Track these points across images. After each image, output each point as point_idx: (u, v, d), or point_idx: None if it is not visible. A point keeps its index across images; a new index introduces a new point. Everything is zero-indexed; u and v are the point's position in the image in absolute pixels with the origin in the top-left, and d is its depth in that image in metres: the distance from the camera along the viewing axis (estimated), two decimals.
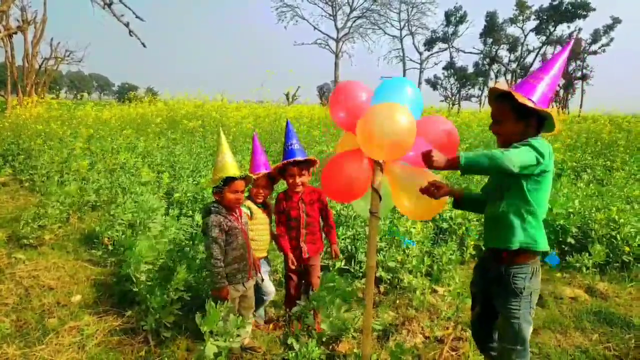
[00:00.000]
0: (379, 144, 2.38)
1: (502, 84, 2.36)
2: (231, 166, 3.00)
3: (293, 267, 3.46)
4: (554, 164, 2.22)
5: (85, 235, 5.47)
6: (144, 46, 7.38)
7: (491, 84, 47.54)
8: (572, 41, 2.66)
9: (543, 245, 2.22)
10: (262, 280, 3.49)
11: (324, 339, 3.04)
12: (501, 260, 2.28)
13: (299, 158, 3.31)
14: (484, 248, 2.55)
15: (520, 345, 2.29)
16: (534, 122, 2.23)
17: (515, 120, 2.23)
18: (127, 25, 6.89)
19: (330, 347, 3.23)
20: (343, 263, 4.39)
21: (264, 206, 3.53)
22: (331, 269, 4.28)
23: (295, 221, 3.44)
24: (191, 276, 3.50)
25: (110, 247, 4.83)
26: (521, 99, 2.15)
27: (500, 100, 2.28)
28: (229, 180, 2.99)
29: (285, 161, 3.33)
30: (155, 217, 4.46)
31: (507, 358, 2.33)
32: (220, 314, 2.29)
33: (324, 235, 3.66)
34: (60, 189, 5.77)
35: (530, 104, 2.16)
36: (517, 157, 2.00)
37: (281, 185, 3.93)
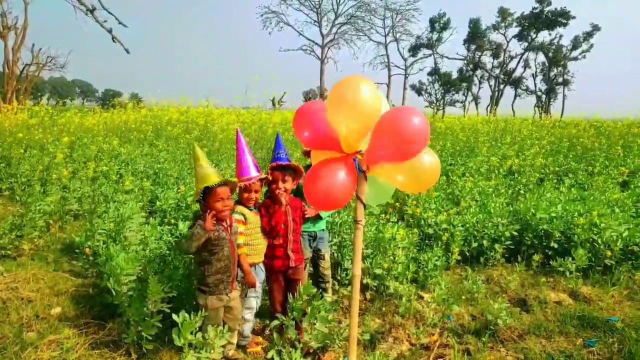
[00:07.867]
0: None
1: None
2: (210, 175, 2.91)
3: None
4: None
5: (66, 245, 5.35)
6: (128, 52, 7.27)
7: (475, 89, 48.41)
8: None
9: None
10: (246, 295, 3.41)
11: (311, 351, 3.01)
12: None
13: (281, 162, 3.35)
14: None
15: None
16: None
17: None
18: (110, 31, 6.78)
19: (317, 357, 3.20)
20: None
21: (257, 208, 3.46)
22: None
23: (283, 227, 3.39)
24: (168, 286, 3.40)
25: (91, 258, 4.72)
26: None
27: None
28: (209, 190, 2.92)
29: (271, 164, 3.36)
30: (131, 226, 4.36)
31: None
32: (196, 325, 2.24)
33: None
34: (40, 198, 5.64)
35: None
36: None
37: None
